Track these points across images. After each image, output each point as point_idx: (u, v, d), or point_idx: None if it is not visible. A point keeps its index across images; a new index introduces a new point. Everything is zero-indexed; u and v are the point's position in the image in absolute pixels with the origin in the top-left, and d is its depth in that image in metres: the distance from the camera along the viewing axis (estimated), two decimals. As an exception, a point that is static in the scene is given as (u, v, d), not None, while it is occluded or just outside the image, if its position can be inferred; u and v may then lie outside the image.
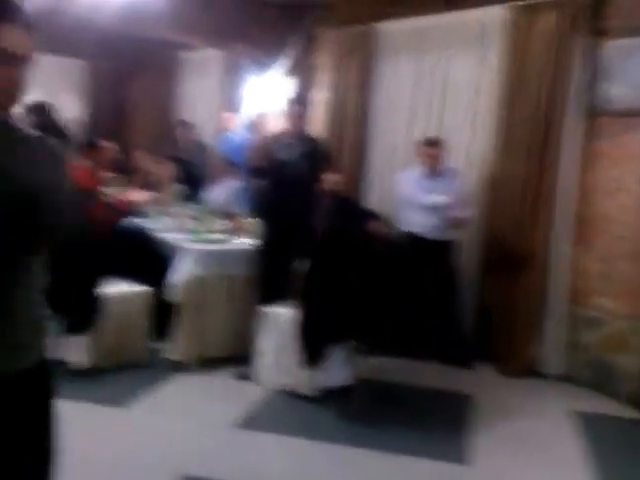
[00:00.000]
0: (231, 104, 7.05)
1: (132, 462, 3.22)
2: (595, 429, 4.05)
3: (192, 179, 6.21)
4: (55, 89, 7.63)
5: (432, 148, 4.93)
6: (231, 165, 5.99)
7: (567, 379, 4.82)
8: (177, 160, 6.32)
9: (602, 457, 3.64)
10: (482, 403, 4.31)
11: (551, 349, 4.85)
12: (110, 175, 5.04)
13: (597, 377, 4.68)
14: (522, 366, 4.85)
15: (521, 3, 4.82)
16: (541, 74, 4.67)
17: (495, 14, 5.00)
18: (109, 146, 4.76)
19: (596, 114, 4.64)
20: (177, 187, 5.97)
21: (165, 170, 6.14)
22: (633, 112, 4.44)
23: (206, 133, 7.22)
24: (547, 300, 4.84)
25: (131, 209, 4.83)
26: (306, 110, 4.66)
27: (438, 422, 3.99)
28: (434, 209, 4.85)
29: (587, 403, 4.47)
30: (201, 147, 6.89)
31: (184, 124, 6.93)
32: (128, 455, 3.28)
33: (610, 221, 4.64)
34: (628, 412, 4.35)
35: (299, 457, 3.47)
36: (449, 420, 4.03)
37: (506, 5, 4.91)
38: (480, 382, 4.73)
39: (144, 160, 6.27)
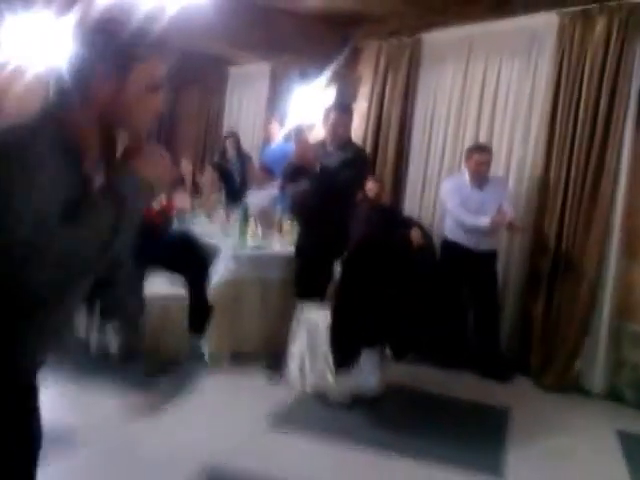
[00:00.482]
0: (277, 115, 7.15)
1: (162, 455, 3.21)
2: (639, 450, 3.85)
3: (234, 186, 6.42)
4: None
5: (482, 154, 4.85)
6: (270, 173, 6.14)
7: (611, 397, 4.60)
8: (221, 168, 6.50)
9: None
10: (520, 417, 4.15)
11: (595, 365, 4.64)
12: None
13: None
14: (563, 381, 4.66)
15: (572, 9, 4.72)
16: (595, 82, 4.55)
17: (545, 21, 4.91)
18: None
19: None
20: (220, 193, 6.15)
21: (208, 177, 6.31)
22: None
23: (251, 143, 7.39)
24: (594, 314, 4.65)
25: (176, 213, 4.96)
26: (349, 119, 4.63)
27: (472, 433, 3.85)
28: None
29: (631, 423, 4.25)
30: (246, 157, 7.06)
31: (231, 135, 7.11)
32: (159, 449, 3.28)
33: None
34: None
35: (327, 459, 3.41)
36: (484, 432, 3.89)
37: (556, 11, 4.82)
38: (518, 396, 4.55)
39: (188, 167, 6.44)
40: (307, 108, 6.78)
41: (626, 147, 4.50)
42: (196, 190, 6.28)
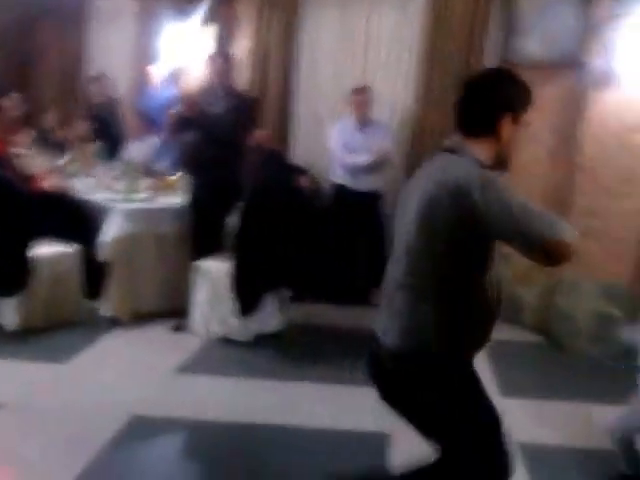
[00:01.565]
0: (147, 55, 6.78)
1: (81, 409, 3.36)
2: (502, 351, 4.41)
3: (109, 137, 6.07)
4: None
5: (360, 95, 5.14)
6: (150, 121, 5.90)
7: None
8: (92, 118, 6.14)
9: (506, 372, 4.13)
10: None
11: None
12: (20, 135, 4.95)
13: (505, 309, 5.12)
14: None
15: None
16: (459, 30, 4.91)
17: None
18: (11, 104, 4.63)
19: (511, 65, 4.92)
20: (95, 146, 5.86)
21: (79, 129, 6.03)
22: (546, 65, 4.73)
23: (121, 87, 6.87)
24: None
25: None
26: (231, 65, 4.66)
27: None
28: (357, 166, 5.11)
29: (495, 331, 4.88)
30: (116, 103, 6.60)
31: (98, 79, 6.58)
32: (76, 404, 3.40)
33: (523, 171, 4.99)
34: (532, 337, 4.87)
35: (237, 393, 3.71)
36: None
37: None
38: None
39: (54, 119, 6.14)
40: (183, 49, 6.55)
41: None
42: (66, 144, 5.90)
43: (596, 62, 4.36)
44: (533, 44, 4.78)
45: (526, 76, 1.89)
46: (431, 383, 1.91)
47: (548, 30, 4.70)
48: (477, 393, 1.98)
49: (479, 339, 1.91)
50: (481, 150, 1.89)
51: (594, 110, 4.42)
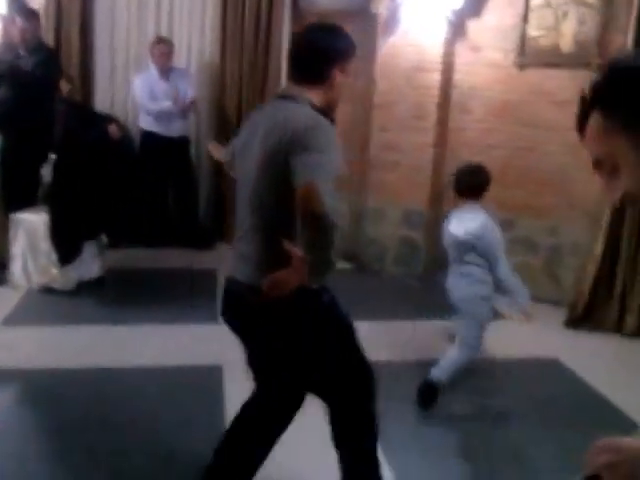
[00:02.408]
0: None
1: None
2: None
3: None
4: None
5: (162, 46, 5.29)
6: None
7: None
8: None
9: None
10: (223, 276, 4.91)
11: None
12: None
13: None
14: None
15: None
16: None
17: None
18: None
19: (303, 15, 5.30)
20: None
21: None
22: (335, 14, 5.08)
23: None
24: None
25: None
26: (37, 22, 4.64)
27: (190, 294, 4.55)
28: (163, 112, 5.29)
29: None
30: None
31: None
32: None
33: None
34: (343, 265, 5.15)
35: (64, 341, 3.76)
36: (199, 291, 4.59)
37: None
38: (221, 259, 5.17)
39: None
40: None
41: (284, 37, 5.30)
42: None
43: (382, 11, 4.79)
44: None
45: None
46: (289, 313, 1.99)
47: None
48: (335, 319, 2.14)
49: (325, 265, 1.95)
50: (315, 97, 2.03)
51: (385, 54, 4.86)
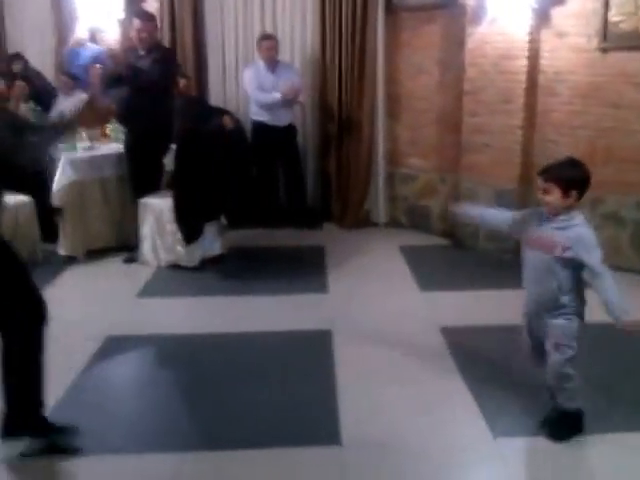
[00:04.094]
0: (65, 18, 7.13)
1: (56, 337, 3.53)
2: (416, 255, 5.28)
3: (41, 96, 6.35)
4: None
5: (268, 41, 5.76)
6: (75, 79, 6.33)
7: (392, 224, 6.09)
8: (25, 79, 6.45)
9: (421, 271, 4.89)
10: (331, 250, 5.39)
11: (378, 203, 6.07)
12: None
13: (416, 219, 5.96)
14: (358, 219, 6.04)
15: None
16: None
17: None
18: None
19: (396, 10, 5.65)
20: (29, 105, 6.20)
21: (16, 89, 6.30)
22: (426, 7, 5.48)
23: (43, 51, 7.19)
24: (372, 163, 5.97)
25: None
26: (153, 24, 5.03)
27: (301, 268, 5.01)
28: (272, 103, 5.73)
29: (409, 239, 5.73)
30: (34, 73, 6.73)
31: (18, 58, 6.68)
32: (50, 334, 3.63)
33: (415, 98, 5.76)
34: (440, 241, 5.65)
35: (192, 310, 4.28)
36: (309, 265, 5.07)
37: None
38: (328, 236, 5.82)
39: None
40: (94, 10, 6.94)
41: (379, 31, 5.66)
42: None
43: (470, 2, 5.07)
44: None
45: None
46: None
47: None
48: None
49: None
50: None
51: (472, 42, 5.12)
